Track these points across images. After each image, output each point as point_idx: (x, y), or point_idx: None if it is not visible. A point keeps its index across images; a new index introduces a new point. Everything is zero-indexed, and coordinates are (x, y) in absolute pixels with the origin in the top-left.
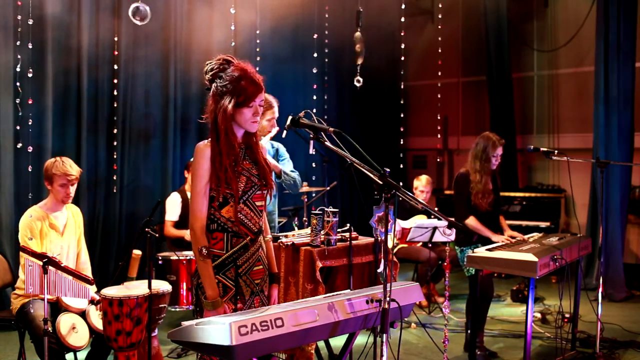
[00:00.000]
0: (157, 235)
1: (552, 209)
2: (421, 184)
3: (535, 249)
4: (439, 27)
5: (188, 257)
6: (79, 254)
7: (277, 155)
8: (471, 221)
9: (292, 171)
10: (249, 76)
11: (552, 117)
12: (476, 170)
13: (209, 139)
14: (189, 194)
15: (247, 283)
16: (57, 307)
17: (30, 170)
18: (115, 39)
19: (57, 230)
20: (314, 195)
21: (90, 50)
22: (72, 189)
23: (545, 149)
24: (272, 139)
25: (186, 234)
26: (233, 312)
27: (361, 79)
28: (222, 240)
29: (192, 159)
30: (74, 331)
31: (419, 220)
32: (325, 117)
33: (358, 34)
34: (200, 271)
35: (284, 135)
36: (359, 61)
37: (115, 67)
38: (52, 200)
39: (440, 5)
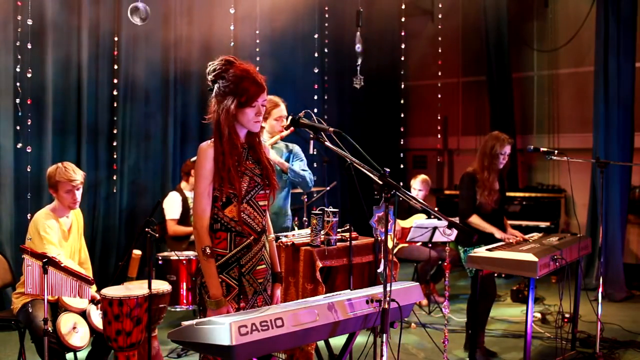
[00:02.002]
0: (157, 235)
1: (552, 209)
2: (416, 182)
3: (535, 249)
4: (439, 27)
5: (188, 257)
6: (79, 252)
7: (290, 155)
8: (474, 219)
9: (303, 170)
10: (251, 76)
11: (552, 117)
12: (484, 167)
13: (212, 140)
14: (186, 192)
15: (250, 282)
16: (57, 307)
17: (30, 170)
18: (116, 39)
19: (64, 235)
20: (314, 195)
21: (90, 50)
22: (78, 194)
23: (545, 149)
24: (284, 139)
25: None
26: (236, 311)
27: (361, 77)
28: (225, 239)
29: (189, 159)
30: (75, 331)
31: (419, 220)
32: (325, 117)
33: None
34: (203, 271)
35: (284, 135)
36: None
37: (115, 67)
38: (59, 206)
39: (440, 5)
